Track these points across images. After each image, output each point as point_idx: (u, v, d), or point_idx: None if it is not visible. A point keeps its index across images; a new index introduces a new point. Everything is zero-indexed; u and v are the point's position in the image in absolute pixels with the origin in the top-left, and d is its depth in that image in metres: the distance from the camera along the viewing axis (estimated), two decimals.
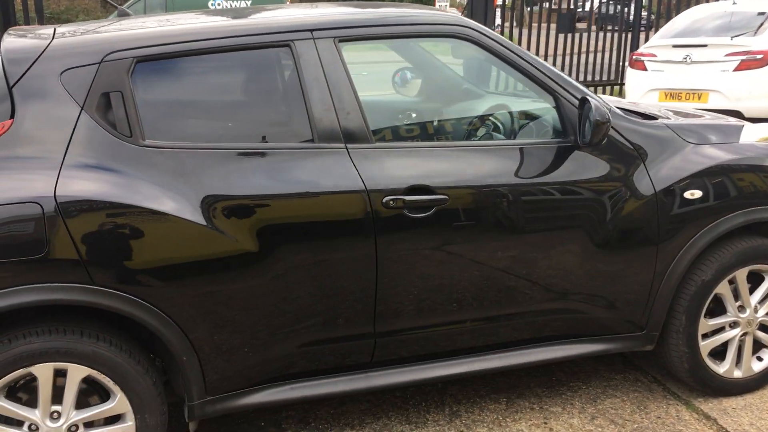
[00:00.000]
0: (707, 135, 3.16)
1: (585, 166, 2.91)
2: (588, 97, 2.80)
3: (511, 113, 3.23)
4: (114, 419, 2.57)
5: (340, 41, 2.74)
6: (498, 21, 14.98)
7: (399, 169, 2.69)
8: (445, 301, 2.82)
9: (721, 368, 3.27)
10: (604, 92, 12.74)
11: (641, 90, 9.02)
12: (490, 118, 3.20)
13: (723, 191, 3.05)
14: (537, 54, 12.03)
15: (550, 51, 12.20)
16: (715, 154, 3.08)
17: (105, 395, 2.54)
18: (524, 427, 3.13)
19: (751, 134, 3.27)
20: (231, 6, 19.19)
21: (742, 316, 3.22)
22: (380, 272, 2.69)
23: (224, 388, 2.66)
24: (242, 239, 2.52)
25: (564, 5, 12.85)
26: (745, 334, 3.26)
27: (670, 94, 8.78)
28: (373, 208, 2.63)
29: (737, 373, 3.30)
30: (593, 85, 12.76)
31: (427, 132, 3.16)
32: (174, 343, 2.51)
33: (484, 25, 9.84)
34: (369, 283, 2.69)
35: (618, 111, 3.05)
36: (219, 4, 18.99)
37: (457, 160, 2.80)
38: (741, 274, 3.16)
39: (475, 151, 2.85)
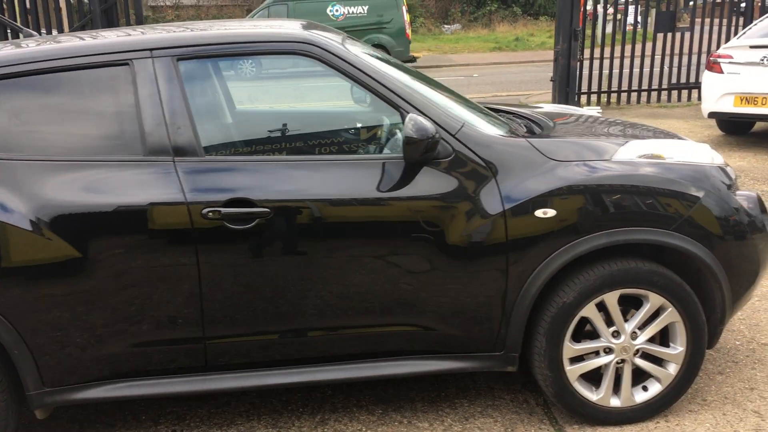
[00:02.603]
0: (576, 152, 3.03)
1: (428, 182, 2.89)
2: (411, 114, 2.78)
3: (371, 127, 3.25)
4: None
5: (179, 59, 2.89)
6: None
7: (222, 182, 2.81)
8: (276, 311, 2.90)
9: (595, 395, 3.12)
10: (688, 97, 11.99)
11: (716, 94, 8.51)
12: (348, 132, 3.23)
13: (581, 211, 2.92)
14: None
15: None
16: (576, 172, 2.95)
17: None
18: None
19: (631, 151, 3.10)
20: (349, 11, 19.75)
21: (615, 342, 3.06)
22: (203, 280, 2.82)
23: (60, 382, 2.88)
24: (68, 246, 2.73)
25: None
26: (623, 361, 3.09)
27: (746, 99, 8.22)
28: (193, 220, 2.76)
29: (615, 402, 3.13)
30: (688, 88, 12.07)
31: (272, 145, 3.23)
32: (4, 337, 2.76)
33: (570, 25, 9.54)
34: (193, 290, 2.82)
35: (474, 125, 3.00)
36: (337, 10, 19.60)
37: (286, 174, 2.87)
38: (610, 298, 3.01)
39: (306, 166, 2.90)
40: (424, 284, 2.92)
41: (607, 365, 3.10)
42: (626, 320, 3.08)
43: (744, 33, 8.80)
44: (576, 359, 3.09)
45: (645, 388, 3.17)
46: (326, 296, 2.91)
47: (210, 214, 2.76)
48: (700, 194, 3.01)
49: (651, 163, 3.05)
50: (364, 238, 2.88)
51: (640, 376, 3.16)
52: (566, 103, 11.44)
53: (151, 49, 2.89)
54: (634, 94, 12.18)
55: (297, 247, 2.85)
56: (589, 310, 3.01)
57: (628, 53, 11.86)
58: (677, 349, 3.10)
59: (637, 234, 2.95)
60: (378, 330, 3.00)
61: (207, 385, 2.97)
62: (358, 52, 3.11)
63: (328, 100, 3.64)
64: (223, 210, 2.77)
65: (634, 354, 3.09)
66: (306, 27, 3.17)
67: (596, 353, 3.10)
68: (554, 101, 11.72)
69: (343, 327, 2.97)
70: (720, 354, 3.70)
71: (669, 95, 12.19)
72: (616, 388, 3.14)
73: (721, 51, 8.67)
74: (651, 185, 2.97)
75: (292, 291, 2.88)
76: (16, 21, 10.56)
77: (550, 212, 2.90)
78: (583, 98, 12.02)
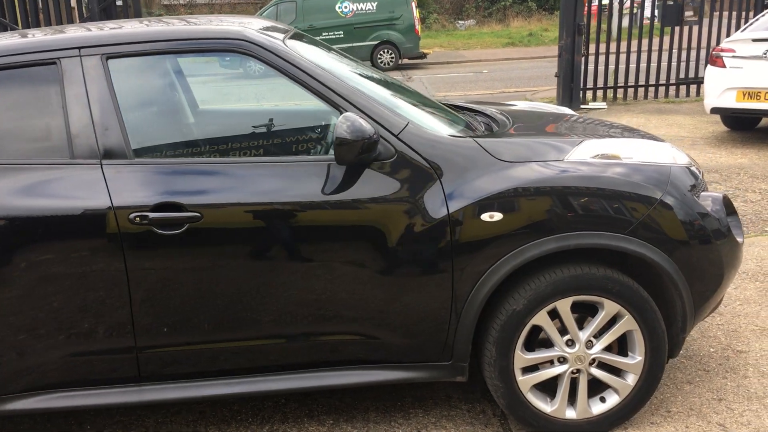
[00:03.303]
0: (527, 152, 2.89)
1: (369, 184, 2.76)
2: (346, 113, 2.65)
3: (315, 127, 3.12)
4: None
5: (108, 58, 2.78)
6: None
7: (151, 185, 2.70)
8: (211, 319, 2.79)
9: (550, 407, 2.98)
10: (697, 92, 11.69)
11: (718, 89, 8.29)
12: (291, 132, 3.11)
13: (529, 214, 2.77)
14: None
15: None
16: (525, 174, 2.81)
17: None
18: None
19: (586, 151, 2.95)
20: (358, 7, 19.60)
21: (569, 351, 2.92)
22: (133, 288, 2.71)
23: None
24: None
25: None
26: (578, 371, 2.95)
27: (748, 94, 7.99)
28: (120, 225, 2.65)
29: (570, 414, 2.99)
30: (696, 82, 11.80)
31: (210, 147, 3.09)
32: None
33: (573, 19, 9.33)
34: (122, 298, 2.72)
35: (421, 125, 2.87)
36: (346, 7, 19.48)
37: (220, 176, 2.75)
38: (563, 305, 2.86)
39: (241, 168, 2.78)
40: (366, 291, 2.80)
41: (561, 375, 2.95)
42: (583, 328, 2.93)
43: (748, 26, 8.56)
44: (529, 369, 2.95)
45: (603, 399, 3.02)
46: (263, 304, 2.79)
47: (137, 219, 2.65)
48: (658, 196, 2.85)
49: (605, 163, 2.90)
50: (301, 243, 2.76)
51: (597, 387, 3.01)
52: (570, 99, 11.25)
53: (79, 48, 2.79)
54: (641, 90, 11.95)
55: (231, 252, 2.73)
56: (541, 318, 2.87)
57: (634, 48, 11.64)
58: (636, 358, 2.95)
59: (589, 238, 2.80)
60: (319, 339, 2.87)
61: (143, 396, 2.86)
62: (301, 49, 2.98)
63: (291, 98, 3.50)
64: (151, 215, 2.66)
65: (590, 363, 2.95)
66: (248, 25, 3.04)
67: (551, 362, 2.96)
68: (558, 97, 11.53)
69: (281, 336, 2.85)
70: (692, 362, 3.54)
71: (677, 90, 11.94)
72: (572, 399, 2.99)
73: (723, 45, 8.44)
74: (603, 186, 2.82)
75: (227, 299, 2.77)
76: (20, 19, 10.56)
77: (497, 215, 2.76)
78: (589, 94, 11.80)
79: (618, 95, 11.93)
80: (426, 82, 16.84)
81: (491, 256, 2.78)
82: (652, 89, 11.93)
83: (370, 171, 2.77)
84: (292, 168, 2.80)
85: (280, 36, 3.01)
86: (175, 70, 3.44)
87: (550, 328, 2.90)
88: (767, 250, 4.91)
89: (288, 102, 3.32)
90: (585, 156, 2.92)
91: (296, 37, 3.20)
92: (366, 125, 2.63)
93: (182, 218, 2.67)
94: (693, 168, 3.13)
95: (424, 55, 20.64)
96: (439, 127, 3.00)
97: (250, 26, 3.01)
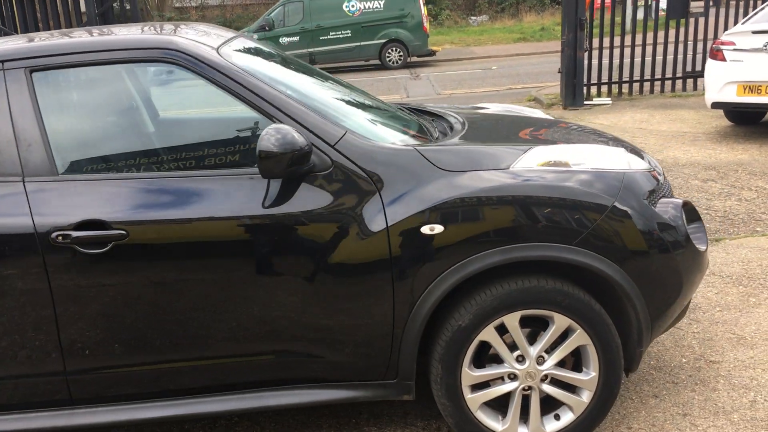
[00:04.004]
0: (471, 161, 2.76)
1: (305, 198, 2.65)
2: (276, 125, 2.54)
3: (251, 137, 3.00)
4: None
5: (32, 71, 2.69)
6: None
7: (75, 202, 2.61)
8: (144, 339, 2.70)
9: (501, 425, 2.85)
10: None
11: (719, 83, 8.07)
12: (225, 143, 3.01)
13: (472, 225, 2.65)
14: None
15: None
16: (468, 183, 2.68)
17: None
18: None
19: (534, 158, 2.81)
20: (365, 6, 19.47)
21: (519, 367, 2.79)
22: (59, 310, 2.62)
23: None
24: None
25: None
26: (530, 388, 2.82)
27: (749, 88, 7.78)
28: (42, 244, 2.56)
29: None
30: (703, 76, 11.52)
31: (141, 160, 2.97)
32: None
33: (575, 14, 9.14)
34: (48, 320, 2.63)
35: (361, 134, 2.75)
36: (353, 5, 19.34)
37: (146, 192, 2.66)
38: (511, 320, 2.73)
39: (170, 182, 2.68)
40: (305, 308, 2.69)
41: (512, 392, 2.83)
42: (534, 343, 2.80)
43: (749, 18, 8.33)
44: (479, 386, 2.83)
45: (557, 417, 2.89)
46: (198, 324, 2.69)
47: (59, 237, 2.56)
48: (609, 203, 2.71)
49: (553, 171, 2.76)
50: (236, 260, 2.65)
51: (551, 404, 2.88)
52: (573, 95, 11.07)
53: (2, 61, 2.70)
54: (646, 84, 11.71)
55: (161, 271, 2.63)
56: (488, 334, 2.75)
57: (639, 41, 11.41)
58: (590, 374, 2.82)
59: (535, 250, 2.67)
60: (260, 358, 2.77)
61: (73, 420, 2.77)
62: (236, 57, 2.87)
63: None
64: (74, 233, 2.56)
65: (542, 380, 2.82)
66: (188, 34, 2.93)
67: (501, 379, 2.83)
68: (562, 94, 11.34)
69: (219, 356, 2.75)
70: (661, 373, 3.39)
71: (684, 84, 11.68)
72: (525, 417, 2.86)
73: (723, 38, 8.22)
74: (550, 195, 2.69)
75: (160, 319, 2.67)
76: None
77: (438, 228, 2.64)
78: (593, 89, 11.60)
79: (623, 90, 11.70)
80: (433, 79, 16.67)
81: (433, 271, 2.66)
82: (657, 83, 11.69)
83: (305, 184, 2.66)
84: (226, 181, 2.69)
85: (215, 44, 2.90)
86: (126, 79, 3.34)
87: (499, 344, 2.77)
88: (756, 252, 4.72)
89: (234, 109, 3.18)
90: (532, 163, 2.78)
91: (236, 44, 3.09)
92: (296, 136, 2.52)
93: (106, 236, 2.58)
94: (652, 173, 2.98)
95: (433, 53, 20.47)
96: (383, 136, 2.89)
97: (187, 35, 2.91)
